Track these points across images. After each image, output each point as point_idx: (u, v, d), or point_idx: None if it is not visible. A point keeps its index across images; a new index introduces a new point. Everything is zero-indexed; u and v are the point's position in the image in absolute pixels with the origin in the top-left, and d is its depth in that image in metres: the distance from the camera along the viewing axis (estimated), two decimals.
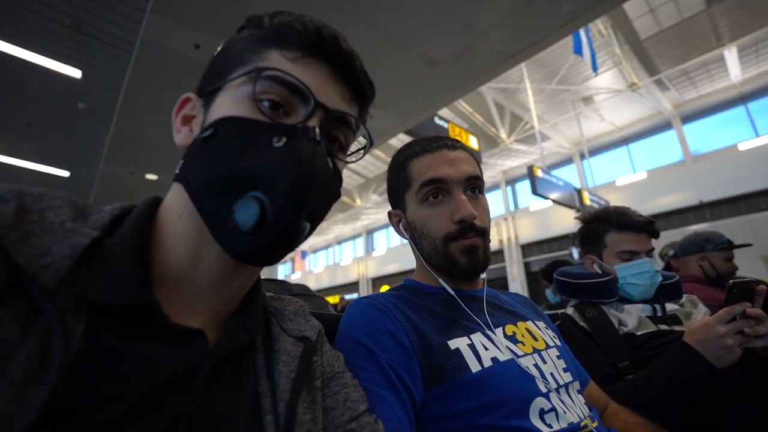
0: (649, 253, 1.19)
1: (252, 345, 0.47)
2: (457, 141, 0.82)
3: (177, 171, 0.45)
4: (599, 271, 1.23)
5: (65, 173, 6.02)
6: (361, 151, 0.52)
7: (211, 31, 3.18)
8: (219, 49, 0.48)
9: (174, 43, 3.28)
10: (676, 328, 1.10)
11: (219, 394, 0.40)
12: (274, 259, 0.41)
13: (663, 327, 1.09)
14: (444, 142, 0.80)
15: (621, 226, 1.20)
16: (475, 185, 0.77)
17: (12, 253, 0.31)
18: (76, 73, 3.94)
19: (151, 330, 0.37)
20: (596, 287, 1.18)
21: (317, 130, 0.41)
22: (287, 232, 0.39)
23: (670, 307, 1.17)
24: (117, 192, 6.09)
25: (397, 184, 0.82)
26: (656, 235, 1.21)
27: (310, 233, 0.44)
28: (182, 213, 0.43)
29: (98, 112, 4.52)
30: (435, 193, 0.76)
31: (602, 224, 1.24)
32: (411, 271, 0.87)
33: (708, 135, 9.94)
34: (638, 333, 1.08)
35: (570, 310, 1.20)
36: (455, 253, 0.74)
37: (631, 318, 1.12)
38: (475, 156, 0.83)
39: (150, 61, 3.47)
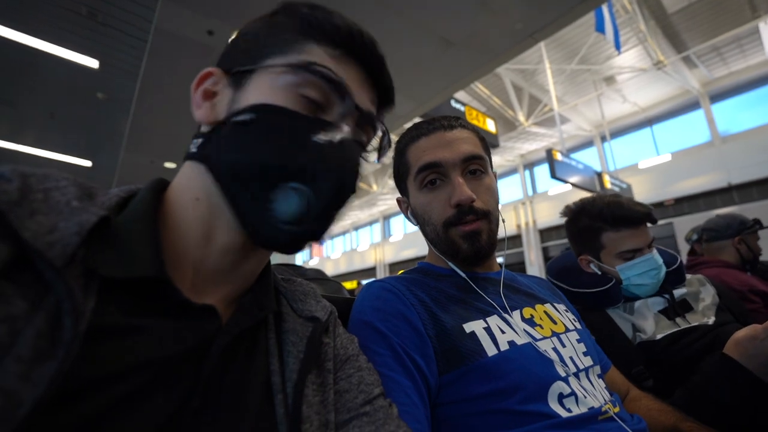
0: (651, 245, 1.08)
1: (265, 323, 0.47)
2: (456, 118, 0.78)
3: (193, 150, 0.44)
4: (597, 272, 1.12)
5: (88, 163, 6.16)
6: (376, 152, 0.53)
7: (223, 16, 3.17)
8: (245, 29, 0.47)
9: (187, 30, 3.28)
10: (690, 318, 1.04)
11: (233, 370, 0.40)
12: (303, 248, 0.43)
13: (679, 321, 1.03)
14: (440, 122, 0.77)
15: (618, 222, 1.06)
16: (475, 165, 0.74)
17: (18, 228, 0.30)
18: (93, 63, 3.98)
19: (164, 305, 0.37)
20: (599, 296, 1.07)
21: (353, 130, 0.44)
22: (326, 225, 0.42)
23: (677, 292, 1.10)
24: (138, 181, 6.16)
25: (399, 171, 0.81)
26: (654, 222, 1.09)
27: None
28: (200, 196, 0.42)
29: (117, 101, 4.58)
30: (433, 179, 0.73)
31: (596, 222, 1.10)
32: None
33: (738, 114, 9.48)
34: (658, 337, 1.00)
35: None
36: (456, 238, 0.72)
37: (647, 322, 1.03)
38: (478, 132, 0.79)
39: (165, 49, 3.49)
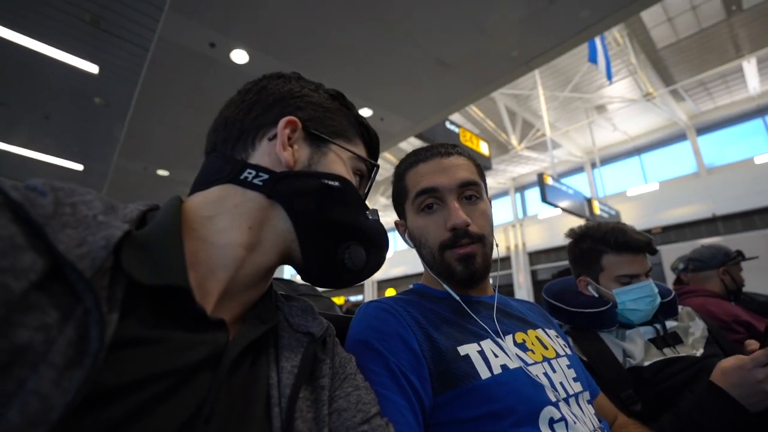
0: (648, 273, 1.12)
1: (266, 338, 0.48)
2: (454, 146, 0.81)
3: (255, 181, 0.48)
4: (595, 294, 1.15)
5: (79, 167, 6.09)
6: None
7: (226, 30, 3.22)
8: (310, 94, 0.55)
9: (190, 41, 3.32)
10: (680, 349, 1.06)
11: (239, 382, 0.42)
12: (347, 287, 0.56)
13: (667, 351, 1.05)
14: (438, 149, 0.80)
15: (620, 247, 1.10)
16: (470, 191, 0.76)
17: (54, 240, 0.31)
18: (93, 68, 3.99)
19: (183, 317, 0.39)
20: (596, 317, 1.09)
21: None
22: (371, 274, 0.55)
23: (668, 324, 1.12)
24: (129, 186, 6.16)
25: (398, 195, 0.83)
26: (654, 253, 1.14)
27: None
28: (254, 225, 0.47)
29: (114, 107, 4.57)
30: (430, 204, 0.76)
31: (598, 244, 1.15)
32: (417, 275, 0.87)
33: (723, 147, 9.77)
34: (646, 364, 1.02)
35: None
36: (451, 261, 0.73)
37: (637, 347, 1.05)
38: (474, 159, 0.82)
39: (166, 59, 3.52)
